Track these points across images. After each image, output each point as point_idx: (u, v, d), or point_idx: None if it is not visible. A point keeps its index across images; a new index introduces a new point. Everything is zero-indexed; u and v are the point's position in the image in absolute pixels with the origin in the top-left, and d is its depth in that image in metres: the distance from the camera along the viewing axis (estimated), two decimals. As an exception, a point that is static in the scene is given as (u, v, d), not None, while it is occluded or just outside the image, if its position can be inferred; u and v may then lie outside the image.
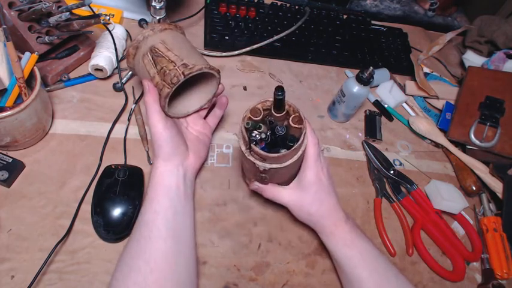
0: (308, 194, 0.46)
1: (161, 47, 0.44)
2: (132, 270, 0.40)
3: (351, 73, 0.78)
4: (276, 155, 0.41)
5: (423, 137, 0.72)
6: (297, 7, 0.84)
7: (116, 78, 0.63)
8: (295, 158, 0.43)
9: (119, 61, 0.63)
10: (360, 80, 0.61)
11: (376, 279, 0.45)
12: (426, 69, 0.82)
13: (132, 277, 0.40)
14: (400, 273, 0.47)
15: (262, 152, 0.40)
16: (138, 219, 0.44)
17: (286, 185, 0.48)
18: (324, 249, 0.54)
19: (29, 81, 0.50)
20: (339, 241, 0.47)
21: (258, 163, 0.42)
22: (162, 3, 0.57)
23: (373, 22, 0.89)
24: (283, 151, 0.41)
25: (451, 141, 0.70)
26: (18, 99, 0.50)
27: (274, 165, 0.42)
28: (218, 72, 0.48)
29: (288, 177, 0.48)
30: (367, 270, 0.45)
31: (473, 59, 0.84)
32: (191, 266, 0.44)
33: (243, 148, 0.43)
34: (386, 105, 0.75)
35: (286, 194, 0.48)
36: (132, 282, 0.39)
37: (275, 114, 0.42)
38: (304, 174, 0.46)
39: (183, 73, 0.43)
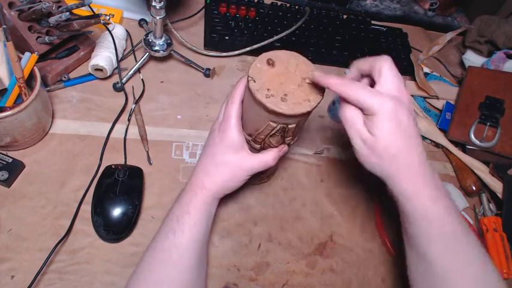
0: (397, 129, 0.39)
1: (290, 130, 0.43)
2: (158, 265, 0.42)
3: (351, 73, 0.78)
4: None
5: (423, 137, 0.71)
6: (297, 7, 0.84)
7: (116, 78, 0.63)
8: None
9: (118, 61, 0.63)
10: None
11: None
12: (426, 69, 0.82)
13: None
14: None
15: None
16: (166, 221, 0.44)
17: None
18: (324, 249, 0.54)
19: (29, 81, 0.50)
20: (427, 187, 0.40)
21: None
22: (162, 3, 0.57)
23: (373, 22, 0.89)
24: None
25: (451, 141, 0.70)
26: (18, 99, 0.50)
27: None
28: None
29: None
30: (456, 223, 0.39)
31: (473, 59, 0.84)
32: (205, 273, 0.47)
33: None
34: (386, 105, 0.74)
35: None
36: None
37: None
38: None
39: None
